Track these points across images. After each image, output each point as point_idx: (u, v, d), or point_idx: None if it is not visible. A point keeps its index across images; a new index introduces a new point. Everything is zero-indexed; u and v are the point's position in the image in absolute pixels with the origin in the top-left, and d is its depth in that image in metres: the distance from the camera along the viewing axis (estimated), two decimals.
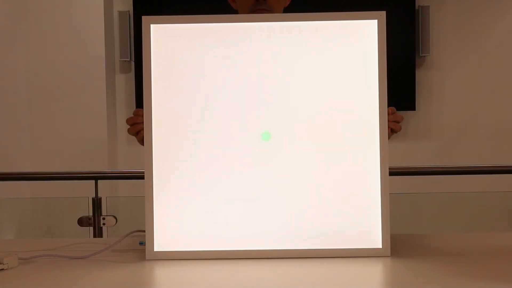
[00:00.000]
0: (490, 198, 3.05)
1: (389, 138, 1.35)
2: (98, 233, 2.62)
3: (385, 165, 1.23)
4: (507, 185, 3.28)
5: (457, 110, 4.20)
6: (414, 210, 2.94)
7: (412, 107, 4.10)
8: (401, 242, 1.35)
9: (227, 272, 1.13)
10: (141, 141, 1.32)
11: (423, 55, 4.11)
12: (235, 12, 1.66)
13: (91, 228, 2.63)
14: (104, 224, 2.63)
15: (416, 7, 4.09)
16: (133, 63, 4.12)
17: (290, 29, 1.24)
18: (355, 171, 1.23)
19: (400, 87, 4.00)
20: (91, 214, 2.64)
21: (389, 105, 1.25)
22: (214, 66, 1.24)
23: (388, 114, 1.26)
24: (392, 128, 1.35)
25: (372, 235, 1.23)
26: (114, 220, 2.64)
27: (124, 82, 4.16)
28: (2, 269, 1.14)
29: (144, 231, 1.25)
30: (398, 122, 1.36)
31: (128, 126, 1.39)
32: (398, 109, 1.36)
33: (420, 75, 4.17)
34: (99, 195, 2.67)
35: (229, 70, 1.24)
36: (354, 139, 1.23)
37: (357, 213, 1.23)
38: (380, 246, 1.22)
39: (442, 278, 1.06)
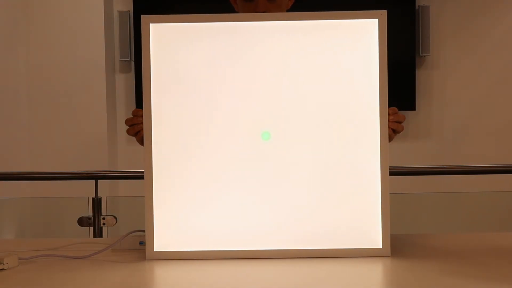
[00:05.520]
0: (490, 198, 3.05)
1: (392, 139, 1.34)
2: (98, 233, 2.62)
3: (385, 165, 1.23)
4: (507, 185, 3.28)
5: (457, 110, 4.20)
6: (414, 210, 2.94)
7: (412, 107, 4.09)
8: (401, 242, 1.35)
9: (227, 272, 1.13)
10: (141, 141, 1.31)
11: (423, 55, 4.11)
12: (235, 12, 1.66)
13: (91, 228, 2.63)
14: (104, 224, 2.63)
15: (416, 7, 4.09)
16: (133, 63, 4.11)
17: (290, 28, 1.24)
18: (356, 171, 1.23)
19: (400, 87, 4.00)
20: (91, 214, 2.63)
21: (389, 105, 1.25)
22: (214, 65, 1.24)
23: (389, 115, 1.26)
24: (393, 129, 1.34)
25: (372, 235, 1.23)
26: (114, 220, 2.63)
27: (124, 82, 4.16)
28: (2, 269, 1.14)
29: (144, 231, 1.25)
30: (400, 122, 1.36)
31: (127, 127, 1.39)
32: (398, 109, 1.36)
33: (420, 75, 4.17)
34: (99, 195, 2.67)
35: (229, 69, 1.24)
36: (354, 138, 1.23)
37: (357, 213, 1.23)
38: (380, 246, 1.22)
39: (442, 278, 1.06)
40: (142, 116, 1.26)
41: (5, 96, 3.83)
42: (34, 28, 3.93)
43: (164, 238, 1.23)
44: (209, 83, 1.24)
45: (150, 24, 1.24)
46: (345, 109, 1.23)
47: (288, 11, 1.64)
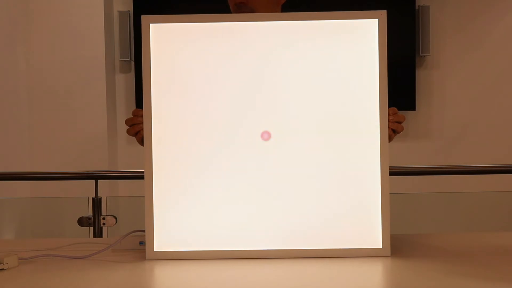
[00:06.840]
0: (490, 198, 3.05)
1: (391, 139, 1.35)
2: (98, 233, 2.62)
3: (385, 165, 1.23)
4: (507, 185, 3.28)
5: (457, 110, 4.20)
6: (414, 210, 2.94)
7: (412, 107, 4.10)
8: (401, 242, 1.35)
9: (227, 272, 1.13)
10: (141, 142, 1.31)
11: (423, 55, 4.11)
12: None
13: (91, 228, 2.63)
14: (104, 224, 2.63)
15: (416, 7, 4.09)
16: (133, 63, 4.12)
17: (291, 28, 1.24)
18: (356, 171, 1.23)
19: (400, 87, 4.00)
20: (91, 214, 2.64)
21: (389, 106, 1.25)
22: (214, 65, 1.24)
23: (389, 115, 1.26)
24: (394, 129, 1.34)
25: (372, 235, 1.23)
26: (114, 220, 2.64)
27: (124, 82, 4.16)
28: (2, 269, 1.14)
29: (144, 231, 1.25)
30: (400, 123, 1.36)
31: (127, 127, 1.39)
32: (398, 109, 1.36)
33: (420, 75, 4.17)
34: (99, 195, 2.67)
35: (229, 70, 1.24)
36: (354, 139, 1.23)
37: (357, 213, 1.23)
38: (380, 246, 1.22)
39: (442, 278, 1.06)
40: (142, 116, 1.26)
41: (5, 96, 3.83)
42: (34, 28, 3.93)
43: (164, 238, 1.23)
44: (209, 83, 1.24)
45: (150, 24, 1.24)
46: (345, 109, 1.23)
47: (284, 6, 1.63)
